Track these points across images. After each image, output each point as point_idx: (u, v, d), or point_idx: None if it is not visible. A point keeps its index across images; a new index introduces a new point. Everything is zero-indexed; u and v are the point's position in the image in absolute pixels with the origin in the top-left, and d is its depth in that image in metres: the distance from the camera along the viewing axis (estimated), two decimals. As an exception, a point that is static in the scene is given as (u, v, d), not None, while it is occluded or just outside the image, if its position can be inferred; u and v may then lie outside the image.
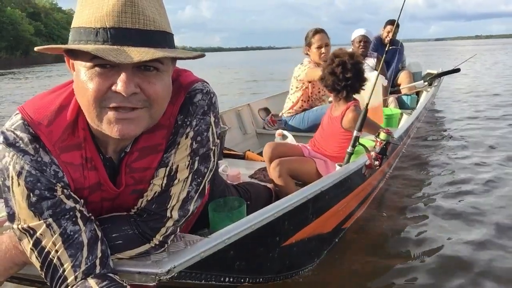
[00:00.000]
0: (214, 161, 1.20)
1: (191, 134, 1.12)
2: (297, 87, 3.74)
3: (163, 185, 1.14)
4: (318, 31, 3.63)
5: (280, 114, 3.96)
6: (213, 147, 1.18)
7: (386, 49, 2.58)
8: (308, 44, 3.65)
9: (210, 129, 1.15)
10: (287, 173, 2.24)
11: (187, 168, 1.14)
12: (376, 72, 3.95)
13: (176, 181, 1.14)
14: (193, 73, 1.21)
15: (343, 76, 2.38)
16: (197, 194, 1.19)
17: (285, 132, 3.36)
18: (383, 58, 2.58)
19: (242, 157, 3.33)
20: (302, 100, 3.73)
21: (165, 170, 1.13)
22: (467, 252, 2.28)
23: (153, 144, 1.12)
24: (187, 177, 1.15)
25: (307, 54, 3.72)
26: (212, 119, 1.16)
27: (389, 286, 2.01)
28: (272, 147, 2.43)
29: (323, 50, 3.55)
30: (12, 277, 1.16)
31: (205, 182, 1.20)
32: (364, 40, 4.66)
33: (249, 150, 3.57)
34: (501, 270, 2.09)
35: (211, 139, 1.16)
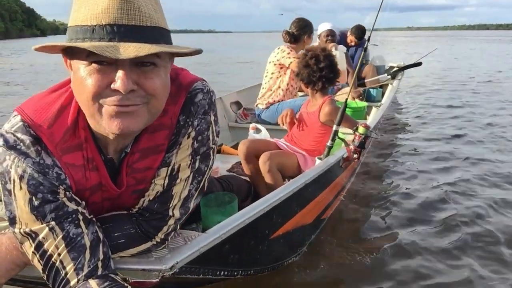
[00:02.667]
0: (213, 158, 1.22)
1: (193, 134, 1.14)
2: (272, 73, 3.75)
3: (165, 184, 1.15)
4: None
5: (255, 104, 3.97)
6: (213, 146, 1.20)
7: (359, 58, 2.75)
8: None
9: (211, 128, 1.17)
10: (276, 167, 2.27)
11: (188, 167, 1.15)
12: (338, 51, 4.18)
13: (178, 181, 1.15)
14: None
15: (317, 67, 2.45)
16: (197, 191, 1.21)
17: (259, 126, 3.39)
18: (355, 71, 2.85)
19: (218, 151, 3.34)
20: (279, 87, 3.74)
21: (167, 170, 1.14)
22: (427, 236, 2.50)
23: (155, 145, 1.12)
24: (188, 176, 1.16)
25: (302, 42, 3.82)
26: (212, 118, 1.17)
27: (366, 272, 2.13)
28: (247, 145, 2.44)
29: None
30: (12, 279, 1.14)
31: (205, 180, 1.22)
32: (331, 34, 4.78)
33: (223, 144, 3.58)
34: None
35: (211, 138, 1.18)
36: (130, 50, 0.84)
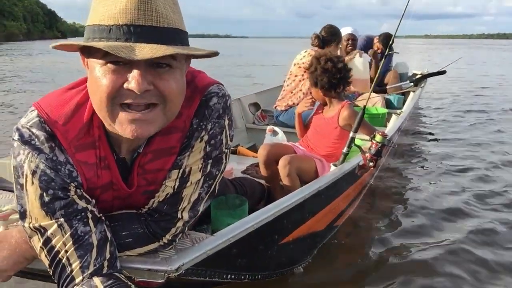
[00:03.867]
0: (225, 163, 1.21)
1: (206, 137, 1.13)
2: (296, 75, 3.72)
3: (176, 187, 1.15)
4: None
5: (274, 106, 3.95)
6: (226, 150, 1.19)
7: (380, 63, 2.71)
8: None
9: (224, 132, 1.16)
10: (295, 171, 2.26)
11: (199, 170, 1.15)
12: (362, 58, 4.13)
13: (188, 183, 1.15)
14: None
15: (336, 69, 2.43)
16: (208, 195, 1.21)
17: (276, 128, 3.39)
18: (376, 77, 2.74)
19: (234, 152, 3.34)
20: (300, 90, 3.70)
21: (178, 172, 1.14)
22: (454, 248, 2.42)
23: (167, 147, 1.12)
24: (199, 180, 1.16)
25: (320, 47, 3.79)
26: (227, 122, 1.17)
27: (377, 280, 2.09)
28: (267, 150, 2.43)
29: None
30: (21, 271, 1.16)
31: (216, 184, 1.22)
32: (352, 38, 4.73)
33: (239, 145, 3.58)
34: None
35: (224, 142, 1.17)
36: (145, 51, 0.84)
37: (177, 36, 0.93)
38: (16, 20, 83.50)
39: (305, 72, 3.68)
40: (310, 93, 3.74)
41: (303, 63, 3.67)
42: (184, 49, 0.92)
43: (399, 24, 2.53)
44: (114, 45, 0.85)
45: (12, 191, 1.64)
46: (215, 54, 1.00)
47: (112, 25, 0.87)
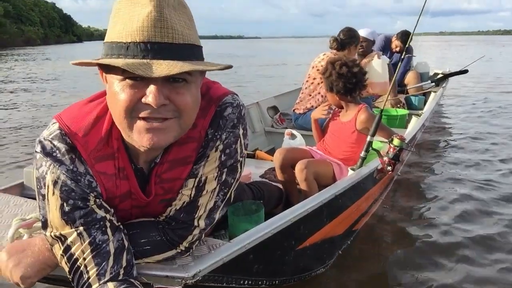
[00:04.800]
0: (240, 171, 1.23)
1: (221, 147, 1.16)
2: (314, 78, 3.71)
3: (192, 195, 1.17)
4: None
5: (292, 109, 3.95)
6: (241, 159, 1.21)
7: (398, 64, 2.68)
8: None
9: (239, 141, 1.18)
10: (313, 175, 2.26)
11: (215, 179, 1.18)
12: (381, 60, 4.07)
13: (204, 192, 1.17)
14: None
15: (351, 73, 2.42)
16: (223, 203, 1.23)
17: (294, 132, 3.39)
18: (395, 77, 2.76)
19: (252, 156, 3.36)
20: (319, 93, 3.69)
21: (194, 181, 1.17)
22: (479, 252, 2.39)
23: (183, 156, 1.15)
24: (215, 188, 1.18)
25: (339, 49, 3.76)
26: (241, 131, 1.19)
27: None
28: (283, 154, 2.44)
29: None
30: (44, 277, 1.20)
31: (231, 192, 1.24)
32: (363, 40, 4.65)
33: (258, 149, 3.60)
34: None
35: (239, 151, 1.19)
36: (162, 68, 0.87)
37: (192, 51, 0.96)
38: (34, 25, 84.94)
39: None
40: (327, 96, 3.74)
41: (321, 66, 3.65)
42: (199, 65, 0.94)
43: (417, 22, 2.50)
44: (132, 62, 0.88)
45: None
46: (229, 67, 1.02)
47: (130, 43, 0.90)
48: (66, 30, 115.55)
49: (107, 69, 0.97)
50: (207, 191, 1.18)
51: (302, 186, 2.28)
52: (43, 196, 1.06)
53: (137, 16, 0.91)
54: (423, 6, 2.46)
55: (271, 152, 3.76)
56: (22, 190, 1.91)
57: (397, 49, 5.32)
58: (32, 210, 1.60)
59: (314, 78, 3.72)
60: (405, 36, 5.24)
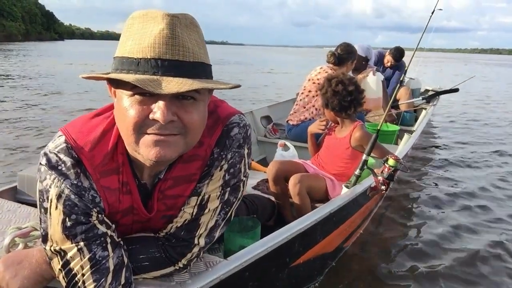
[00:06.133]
0: (243, 190, 1.24)
1: (225, 166, 1.16)
2: (310, 91, 3.73)
3: (194, 213, 1.17)
4: None
5: (286, 120, 3.96)
6: (244, 178, 1.22)
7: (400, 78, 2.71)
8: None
9: (243, 161, 1.19)
10: (306, 190, 2.27)
11: (218, 198, 1.18)
12: (375, 77, 4.12)
13: (206, 210, 1.18)
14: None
15: (346, 92, 2.44)
16: (224, 222, 1.23)
17: (287, 143, 3.40)
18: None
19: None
20: (313, 106, 3.72)
21: (197, 199, 1.17)
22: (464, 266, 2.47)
23: (188, 174, 1.15)
24: (217, 207, 1.19)
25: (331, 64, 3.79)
26: (246, 151, 1.19)
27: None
28: (277, 167, 2.44)
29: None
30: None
31: (232, 210, 1.24)
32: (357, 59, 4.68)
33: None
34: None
35: (242, 170, 1.20)
36: (171, 85, 0.87)
37: (202, 69, 0.96)
38: (15, 20, 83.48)
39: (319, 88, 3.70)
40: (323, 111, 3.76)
41: (317, 79, 3.69)
42: (209, 83, 0.94)
43: (420, 39, 2.54)
44: (142, 78, 0.88)
45: (30, 205, 1.68)
46: (237, 86, 1.03)
47: (141, 59, 0.90)
48: (48, 27, 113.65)
49: (116, 84, 0.96)
50: (209, 210, 1.18)
51: (295, 200, 2.29)
52: (45, 209, 1.04)
53: (149, 33, 0.91)
54: (427, 23, 2.52)
55: (263, 162, 3.77)
56: (15, 194, 1.88)
57: (389, 64, 5.41)
58: (26, 216, 1.58)
59: (310, 91, 3.75)
60: (397, 52, 5.33)
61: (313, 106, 3.73)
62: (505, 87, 16.13)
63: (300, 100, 3.81)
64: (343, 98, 2.44)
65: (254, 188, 2.84)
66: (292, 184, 2.29)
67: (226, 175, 1.17)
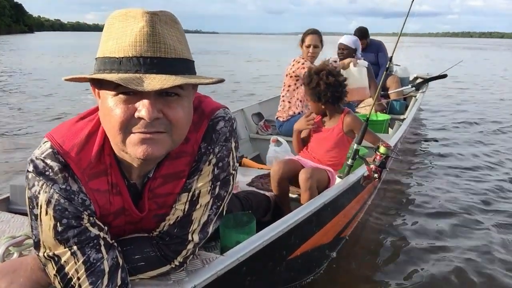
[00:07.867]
0: (233, 184, 1.24)
1: (214, 160, 1.16)
2: (289, 85, 3.77)
3: (185, 210, 1.17)
4: (311, 32, 3.80)
5: (276, 117, 3.97)
6: (233, 172, 1.22)
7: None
8: (302, 40, 3.83)
9: (231, 154, 1.19)
10: (316, 184, 2.24)
11: (208, 193, 1.18)
12: (356, 68, 4.12)
13: (197, 206, 1.18)
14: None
15: (338, 82, 2.44)
16: (216, 216, 1.23)
17: (280, 138, 3.40)
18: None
19: (238, 163, 3.35)
20: (297, 99, 3.74)
21: (188, 195, 1.17)
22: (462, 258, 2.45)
23: (176, 171, 1.15)
24: (208, 202, 1.19)
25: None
26: (233, 144, 1.20)
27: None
28: (282, 168, 2.38)
29: (310, 50, 3.75)
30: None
31: (224, 205, 1.24)
32: (342, 47, 4.66)
33: (243, 156, 3.60)
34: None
35: (231, 164, 1.20)
36: (155, 82, 0.87)
37: (184, 66, 0.96)
38: None
39: (297, 80, 3.71)
40: (308, 101, 3.76)
41: (293, 72, 3.72)
42: (192, 79, 0.94)
43: (404, 23, 2.56)
44: (124, 77, 0.88)
45: (24, 214, 1.67)
46: (221, 81, 1.03)
47: (123, 58, 0.90)
48: (17, 20, 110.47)
49: (99, 84, 0.96)
50: (200, 205, 1.18)
51: (306, 194, 2.22)
52: (36, 216, 1.04)
53: (129, 32, 0.91)
54: (410, 8, 2.53)
55: (256, 159, 3.77)
56: (8, 205, 1.88)
57: (363, 46, 5.27)
58: (20, 226, 1.57)
59: (289, 85, 3.78)
60: (358, 32, 5.31)
61: (298, 99, 3.76)
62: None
63: (283, 96, 3.85)
64: (335, 89, 2.44)
65: (249, 184, 2.84)
66: (304, 179, 2.23)
67: (215, 169, 1.17)
